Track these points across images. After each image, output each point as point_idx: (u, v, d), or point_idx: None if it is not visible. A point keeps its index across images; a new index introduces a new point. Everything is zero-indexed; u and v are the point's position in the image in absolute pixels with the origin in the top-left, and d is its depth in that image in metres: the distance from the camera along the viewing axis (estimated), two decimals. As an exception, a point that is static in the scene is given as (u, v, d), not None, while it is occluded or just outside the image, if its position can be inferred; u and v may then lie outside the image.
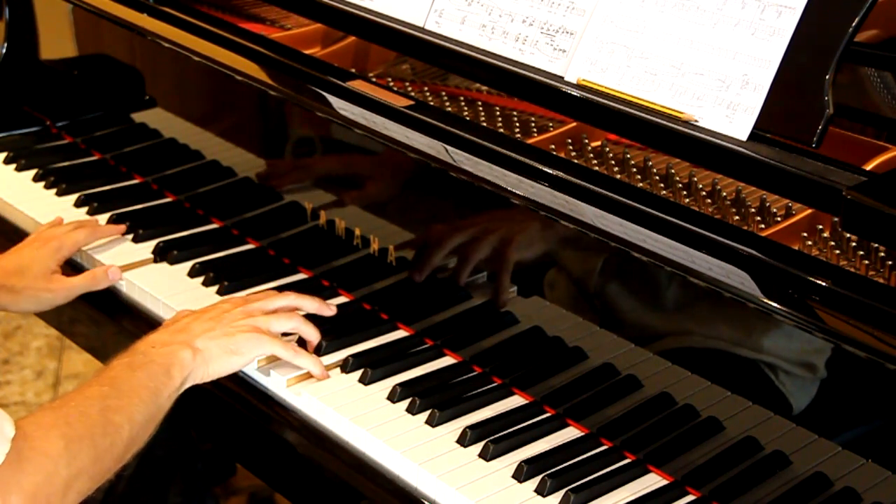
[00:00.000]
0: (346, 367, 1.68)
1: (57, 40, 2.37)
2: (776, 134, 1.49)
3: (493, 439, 1.54)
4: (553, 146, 1.68)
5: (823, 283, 1.36)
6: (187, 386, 1.58)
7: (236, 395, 1.69)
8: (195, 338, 1.60)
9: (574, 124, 1.70)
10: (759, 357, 1.41)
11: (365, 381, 1.66)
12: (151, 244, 1.98)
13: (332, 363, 1.69)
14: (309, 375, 1.66)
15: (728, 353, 1.44)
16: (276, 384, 1.66)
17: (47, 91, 2.41)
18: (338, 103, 1.82)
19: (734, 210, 1.53)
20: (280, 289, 1.85)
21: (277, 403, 1.65)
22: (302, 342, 1.71)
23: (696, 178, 1.58)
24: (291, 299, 1.74)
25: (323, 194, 1.89)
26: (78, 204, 2.12)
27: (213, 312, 1.67)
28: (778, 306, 1.37)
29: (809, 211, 1.48)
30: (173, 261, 1.95)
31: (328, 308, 1.76)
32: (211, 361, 1.59)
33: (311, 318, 1.73)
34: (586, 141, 1.69)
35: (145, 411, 1.48)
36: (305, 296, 1.76)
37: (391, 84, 1.86)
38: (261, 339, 1.63)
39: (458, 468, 1.51)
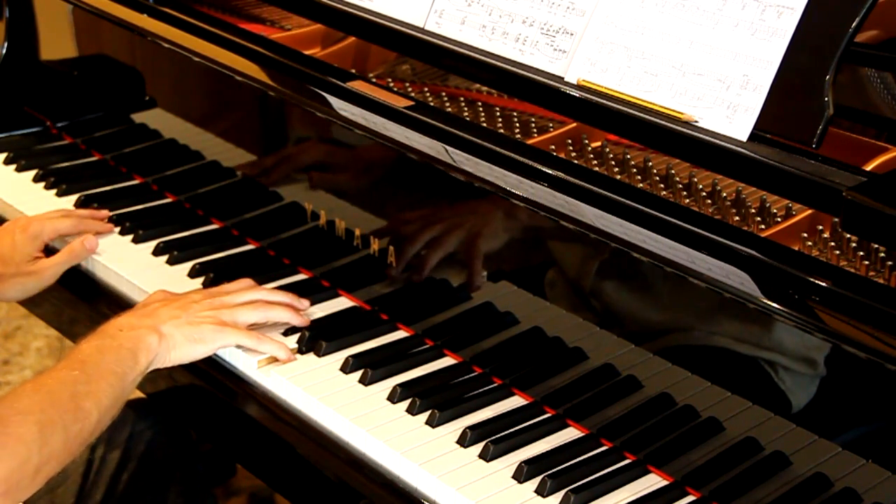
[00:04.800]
0: (346, 367, 1.68)
1: (57, 40, 2.37)
2: (776, 134, 1.49)
3: (493, 440, 1.54)
4: (553, 147, 1.68)
5: (823, 284, 1.36)
6: (151, 369, 1.61)
7: (232, 392, 1.69)
8: (161, 323, 1.63)
9: (574, 125, 1.70)
10: (759, 353, 1.41)
11: (365, 381, 1.66)
12: (152, 245, 1.98)
13: (332, 363, 1.69)
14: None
15: (727, 349, 1.44)
16: (275, 381, 1.66)
17: (47, 91, 2.41)
18: (338, 104, 1.82)
19: (734, 210, 1.53)
20: (280, 289, 1.85)
21: (276, 402, 1.66)
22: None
23: (696, 179, 1.58)
24: (261, 295, 1.75)
25: (323, 195, 1.89)
26: (78, 204, 2.12)
27: (181, 301, 1.70)
28: (778, 307, 1.37)
29: (809, 211, 1.48)
30: (174, 261, 1.95)
31: (300, 302, 1.77)
32: (175, 348, 1.63)
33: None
34: (586, 141, 1.69)
35: (112, 395, 1.52)
36: (277, 293, 1.77)
37: (391, 84, 1.86)
38: (224, 331, 1.66)
39: (458, 468, 1.51)
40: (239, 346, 1.69)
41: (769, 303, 1.37)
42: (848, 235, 1.42)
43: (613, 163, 1.64)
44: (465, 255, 1.68)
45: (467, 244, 1.68)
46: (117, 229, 2.03)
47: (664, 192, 1.58)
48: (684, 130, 1.54)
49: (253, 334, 1.68)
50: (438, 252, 1.71)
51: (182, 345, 1.63)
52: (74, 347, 1.58)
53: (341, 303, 1.85)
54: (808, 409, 1.39)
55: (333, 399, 1.62)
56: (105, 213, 2.03)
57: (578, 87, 1.65)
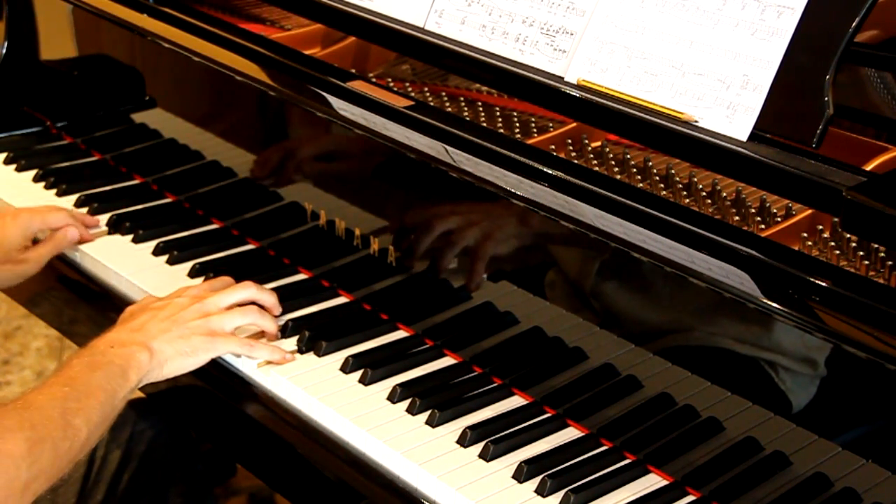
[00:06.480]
0: (346, 367, 1.68)
1: (57, 40, 2.37)
2: (776, 134, 1.49)
3: (493, 440, 1.54)
4: (553, 146, 1.68)
5: (823, 284, 1.37)
6: (142, 385, 1.62)
7: (233, 392, 1.69)
8: (152, 339, 1.63)
9: (574, 125, 1.70)
10: (759, 353, 1.41)
11: (365, 381, 1.66)
12: (152, 244, 1.98)
13: (332, 363, 1.69)
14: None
15: (728, 350, 1.44)
16: (275, 381, 1.66)
17: (47, 91, 2.41)
18: (338, 104, 1.82)
19: (734, 210, 1.53)
20: (280, 289, 1.85)
21: (276, 402, 1.66)
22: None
23: (696, 179, 1.58)
24: (250, 293, 1.75)
25: (323, 195, 1.89)
26: (78, 204, 2.12)
27: (168, 310, 1.69)
28: (778, 306, 1.37)
29: (809, 211, 1.48)
30: (173, 261, 1.95)
31: (278, 307, 1.78)
32: (166, 363, 1.63)
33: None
34: (586, 141, 1.69)
35: (101, 412, 1.52)
36: (264, 290, 1.77)
37: (391, 84, 1.86)
38: (214, 342, 1.67)
39: (458, 468, 1.51)
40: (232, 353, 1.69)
41: (769, 303, 1.37)
42: (848, 235, 1.42)
43: (613, 163, 1.64)
44: (467, 255, 1.68)
45: (469, 245, 1.68)
46: (106, 228, 2.05)
47: (664, 192, 1.58)
48: (684, 130, 1.54)
49: (245, 341, 1.68)
50: (440, 252, 1.71)
51: (174, 359, 1.64)
52: (65, 363, 1.57)
53: (341, 302, 1.85)
54: (808, 409, 1.39)
55: (333, 399, 1.62)
56: (96, 220, 2.05)
57: (578, 86, 1.65)
